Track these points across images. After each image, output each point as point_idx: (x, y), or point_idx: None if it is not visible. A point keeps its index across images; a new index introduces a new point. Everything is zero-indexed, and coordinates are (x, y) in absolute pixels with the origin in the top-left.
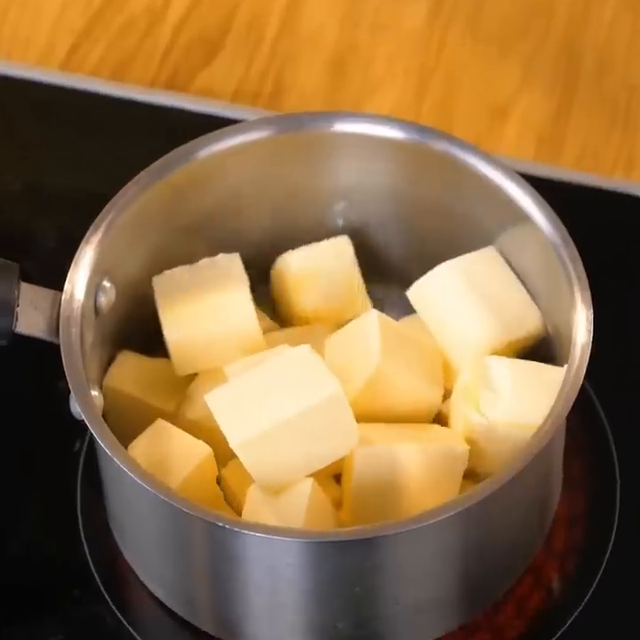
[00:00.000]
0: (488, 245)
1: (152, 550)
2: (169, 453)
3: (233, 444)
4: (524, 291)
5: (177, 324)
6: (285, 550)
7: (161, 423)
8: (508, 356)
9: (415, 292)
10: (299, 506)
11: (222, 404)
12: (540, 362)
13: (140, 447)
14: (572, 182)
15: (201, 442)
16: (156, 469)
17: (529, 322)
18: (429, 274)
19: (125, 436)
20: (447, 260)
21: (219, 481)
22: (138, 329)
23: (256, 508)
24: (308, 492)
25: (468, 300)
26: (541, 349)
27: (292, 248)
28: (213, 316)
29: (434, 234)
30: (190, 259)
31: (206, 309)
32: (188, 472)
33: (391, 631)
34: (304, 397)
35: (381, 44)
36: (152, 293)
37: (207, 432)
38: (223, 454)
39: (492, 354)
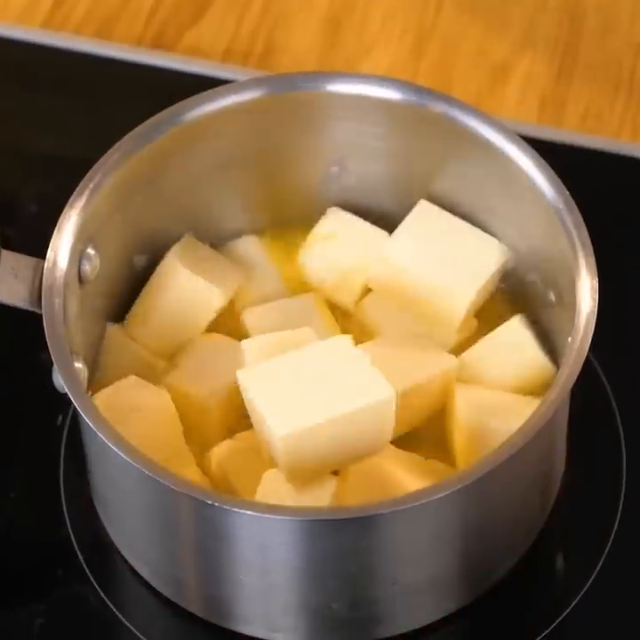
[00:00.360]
0: (489, 210)
1: (138, 528)
2: (132, 406)
3: (280, 434)
4: (474, 227)
5: None
6: (278, 529)
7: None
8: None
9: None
10: (321, 502)
11: (262, 388)
12: (544, 331)
13: (105, 397)
14: (576, 145)
15: (164, 392)
16: (119, 422)
17: (494, 256)
18: (386, 250)
19: None
20: None
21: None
22: (124, 299)
23: (271, 497)
24: (332, 490)
25: (432, 264)
26: (545, 318)
27: (284, 215)
28: None
29: (432, 199)
30: (177, 225)
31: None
32: (151, 426)
33: (388, 612)
34: (356, 396)
35: (377, 1)
36: (137, 262)
37: (184, 399)
38: (206, 430)
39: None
